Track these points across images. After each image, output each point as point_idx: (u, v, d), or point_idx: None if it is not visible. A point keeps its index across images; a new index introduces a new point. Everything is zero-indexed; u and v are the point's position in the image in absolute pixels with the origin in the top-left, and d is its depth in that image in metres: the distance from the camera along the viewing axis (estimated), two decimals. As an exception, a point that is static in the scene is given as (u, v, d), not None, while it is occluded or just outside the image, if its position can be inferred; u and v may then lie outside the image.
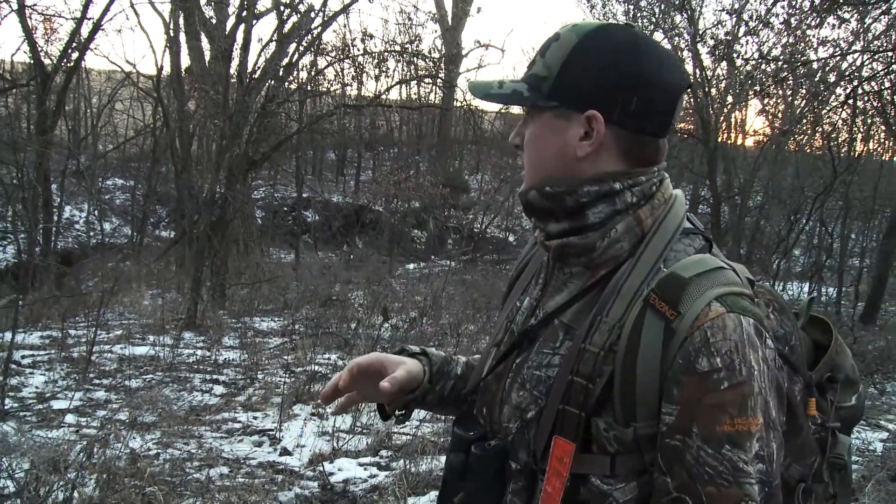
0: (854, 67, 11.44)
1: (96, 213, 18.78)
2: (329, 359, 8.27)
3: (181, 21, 16.06)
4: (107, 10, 13.51)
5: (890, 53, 11.01)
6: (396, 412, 1.41)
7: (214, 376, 7.39)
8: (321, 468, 4.96)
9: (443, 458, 5.16)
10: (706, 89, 16.04)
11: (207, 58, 15.64)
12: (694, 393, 1.01)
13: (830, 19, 10.51)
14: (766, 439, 1.01)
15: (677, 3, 15.06)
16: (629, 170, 1.15)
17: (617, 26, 1.16)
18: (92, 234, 18.24)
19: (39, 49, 13.66)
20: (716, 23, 15.86)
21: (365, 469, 5.05)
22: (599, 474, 1.08)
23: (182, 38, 16.47)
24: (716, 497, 0.99)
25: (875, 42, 11.79)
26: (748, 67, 12.61)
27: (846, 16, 10.57)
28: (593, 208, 1.14)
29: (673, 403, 1.02)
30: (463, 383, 1.42)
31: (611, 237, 1.13)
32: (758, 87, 12.28)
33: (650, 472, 1.06)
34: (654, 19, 17.59)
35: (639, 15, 18.19)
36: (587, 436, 1.08)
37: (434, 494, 4.50)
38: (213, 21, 14.77)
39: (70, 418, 5.67)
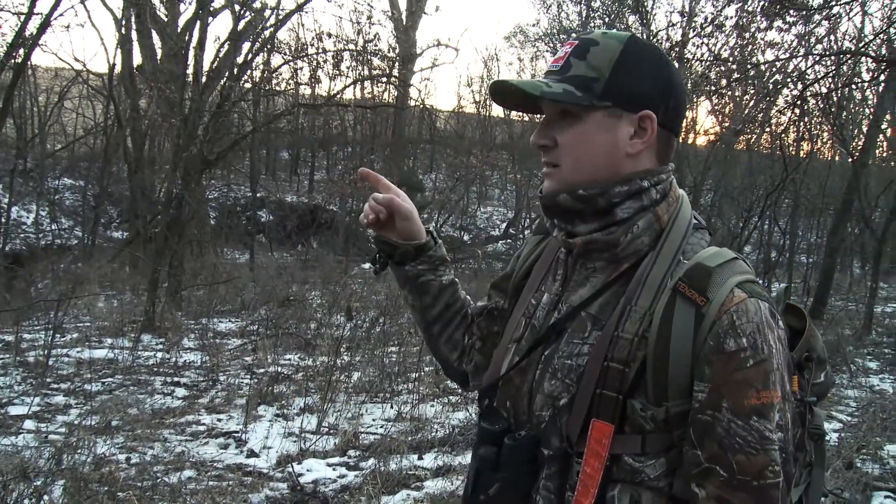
0: (799, 71, 11.74)
1: (46, 213, 18.37)
2: (290, 359, 8.24)
3: (133, 18, 15.78)
4: (56, 5, 13.13)
5: (833, 57, 11.32)
6: (376, 259, 1.52)
7: (175, 379, 7.31)
8: (290, 469, 4.95)
9: (413, 457, 5.20)
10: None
11: (160, 56, 15.42)
12: (723, 371, 1.11)
13: (777, 23, 10.76)
14: (784, 410, 1.13)
15: (631, 4, 15.28)
16: (656, 167, 1.26)
17: (641, 38, 1.27)
18: (41, 235, 17.83)
19: (-16, 46, 13.30)
20: (669, 24, 16.13)
21: (334, 469, 5.05)
22: (631, 453, 1.17)
23: (134, 35, 16.19)
24: (744, 464, 1.10)
25: (818, 46, 12.12)
26: (700, 68, 12.83)
27: (792, 20, 10.83)
28: (622, 206, 1.23)
29: (704, 381, 1.12)
30: (439, 290, 1.53)
31: (633, 233, 1.23)
32: (712, 88, 12.49)
33: (677, 448, 1.16)
34: (607, 20, 17.84)
35: (593, 15, 18.44)
36: (622, 417, 1.17)
37: (406, 493, 4.54)
38: (166, 19, 14.56)
39: (29, 424, 5.57)
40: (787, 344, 1.19)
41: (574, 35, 1.29)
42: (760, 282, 1.21)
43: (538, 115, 1.34)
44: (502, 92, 1.31)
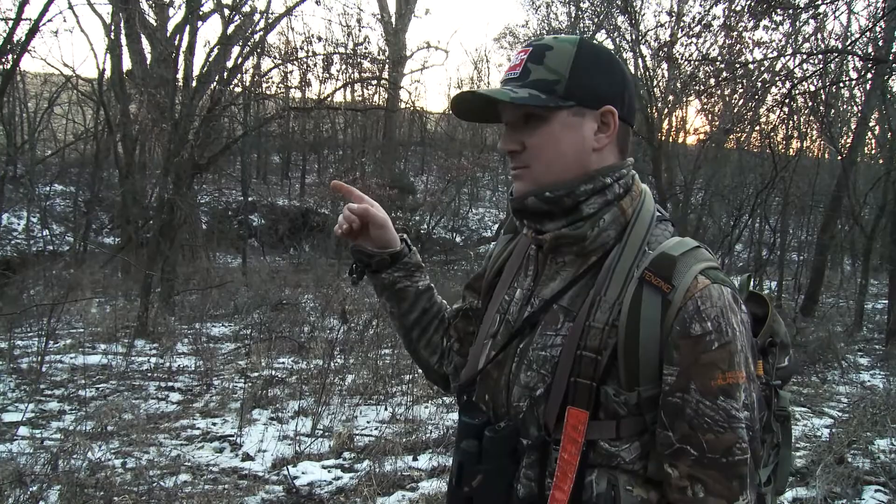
0: (787, 70, 11.80)
1: (37, 219, 18.31)
2: (284, 363, 8.25)
3: (122, 23, 15.75)
4: (44, 11, 13.08)
5: (820, 56, 11.38)
6: (353, 269, 1.56)
7: (170, 383, 7.31)
8: (285, 472, 4.97)
9: (408, 458, 5.22)
10: (649, 89, 16.37)
11: (149, 60, 15.40)
12: (690, 354, 1.17)
13: (765, 22, 10.82)
14: (749, 390, 1.19)
15: (620, 4, 15.33)
16: (619, 162, 1.32)
17: (590, 40, 1.34)
18: (33, 241, 17.76)
19: (-27, 52, 13.23)
20: (657, 24, 16.20)
21: (329, 472, 5.06)
22: (607, 438, 1.22)
23: (123, 40, 16.16)
24: (714, 443, 1.16)
25: (805, 45, 12.22)
26: (689, 68, 12.91)
27: (778, 18, 10.89)
28: (588, 202, 1.29)
29: (673, 365, 1.18)
30: (416, 296, 1.58)
31: (600, 227, 1.29)
32: (700, 87, 12.57)
33: (651, 431, 1.22)
34: (596, 20, 17.89)
35: (582, 16, 18.47)
36: (596, 404, 1.22)
37: (401, 494, 4.56)
38: (155, 23, 14.55)
39: (23, 430, 5.56)
40: (750, 327, 1.24)
41: (526, 42, 1.32)
42: (722, 269, 1.26)
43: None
44: (464, 103, 1.35)
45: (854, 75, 13.64)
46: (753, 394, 1.20)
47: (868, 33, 11.77)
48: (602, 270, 1.27)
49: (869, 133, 17.41)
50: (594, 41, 1.34)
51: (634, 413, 1.21)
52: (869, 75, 12.24)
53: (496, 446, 1.29)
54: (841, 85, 14.53)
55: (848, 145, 15.28)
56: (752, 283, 1.53)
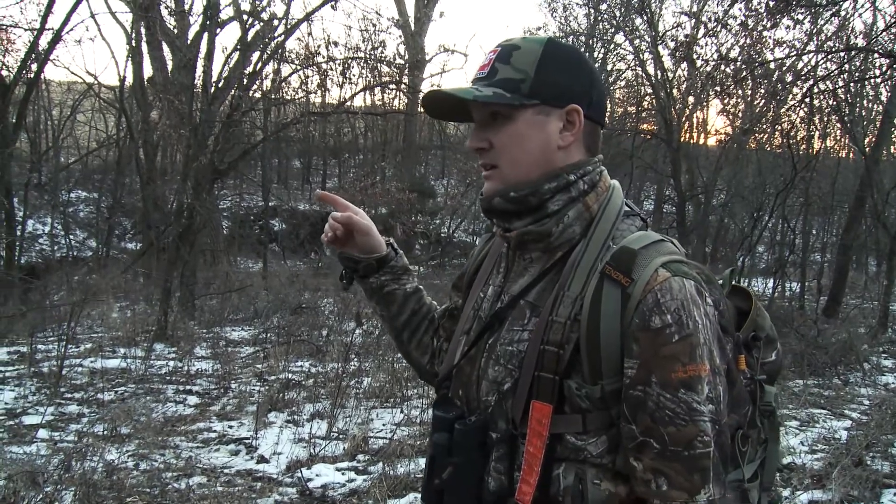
0: (809, 67, 11.70)
1: (60, 226, 18.53)
2: (302, 366, 8.28)
3: (143, 31, 15.92)
4: (67, 20, 13.30)
5: (842, 54, 11.26)
6: (342, 275, 1.62)
7: (187, 387, 7.36)
8: (299, 474, 4.98)
9: (421, 461, 5.22)
10: (668, 90, 16.28)
11: (170, 67, 15.54)
12: (650, 347, 1.17)
13: (785, 20, 10.74)
14: (713, 383, 1.18)
15: (637, 5, 15.26)
16: (585, 159, 1.33)
17: (559, 40, 1.36)
18: (56, 247, 17.99)
19: (-3, 61, 13.46)
20: (675, 25, 16.11)
21: (343, 474, 5.07)
22: (573, 432, 1.23)
23: (144, 48, 16.33)
24: (675, 436, 1.16)
25: (828, 43, 12.08)
26: (708, 68, 12.83)
27: (799, 17, 10.80)
28: (553, 199, 1.30)
29: (633, 358, 1.18)
30: (404, 298, 1.63)
31: (564, 223, 1.30)
32: (718, 88, 12.49)
33: (617, 425, 1.22)
34: (615, 22, 17.83)
35: (600, 18, 18.41)
36: (560, 398, 1.23)
37: (413, 496, 4.55)
38: (175, 31, 14.68)
39: (43, 433, 5.63)
40: (715, 320, 1.23)
41: (497, 43, 1.34)
42: (688, 262, 1.26)
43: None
44: (435, 102, 1.38)
45: (878, 72, 13.47)
46: (719, 387, 1.20)
47: (893, 29, 11.62)
48: (566, 265, 1.28)
49: (894, 131, 17.18)
50: (563, 41, 1.38)
51: (600, 407, 1.22)
52: (893, 73, 12.08)
53: (465, 439, 1.30)
54: (866, 82, 14.39)
55: (872, 143, 15.08)
56: (734, 276, 1.53)
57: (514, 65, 1.29)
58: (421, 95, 1.48)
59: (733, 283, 1.51)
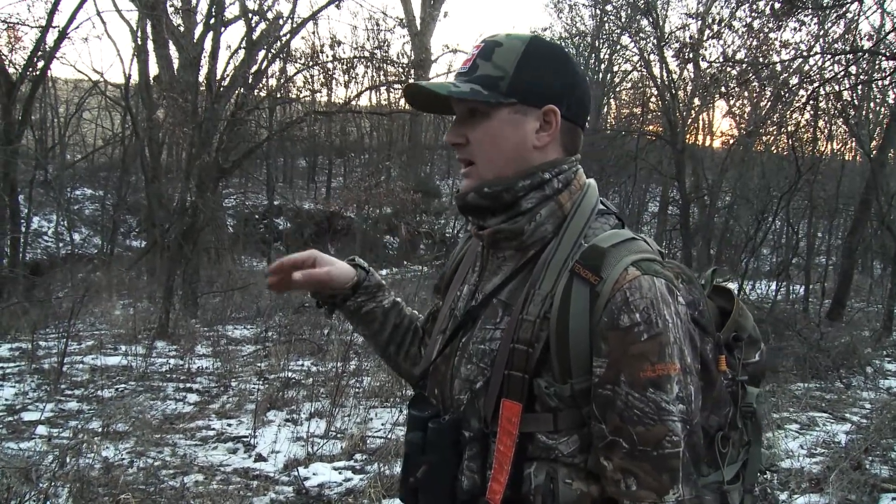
0: (815, 70, 11.66)
1: (65, 223, 18.59)
2: (302, 365, 8.28)
3: (149, 29, 15.96)
4: (73, 18, 13.36)
5: (849, 56, 11.22)
6: (320, 303, 1.62)
7: (188, 385, 7.37)
8: (296, 473, 4.98)
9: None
10: (673, 92, 16.24)
11: (176, 66, 15.57)
12: (619, 345, 1.16)
13: (791, 23, 10.71)
14: (684, 382, 1.17)
15: (643, 7, 15.23)
16: (561, 158, 1.33)
17: (543, 37, 1.35)
18: (61, 244, 18.04)
19: (3, 58, 13.48)
20: (681, 26, 16.08)
21: (340, 473, 5.07)
22: (544, 431, 1.23)
23: (150, 46, 16.36)
24: (644, 435, 1.14)
25: (835, 45, 12.03)
26: (713, 70, 12.79)
27: (805, 19, 10.76)
28: (526, 197, 1.30)
29: (602, 357, 1.17)
30: (384, 314, 1.63)
31: (536, 221, 1.30)
32: (723, 90, 12.46)
33: (588, 424, 1.21)
34: (620, 23, 17.80)
35: (605, 19, 18.39)
36: (531, 396, 1.23)
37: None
38: (181, 29, 14.70)
39: (41, 429, 5.63)
40: (688, 319, 1.23)
41: (482, 39, 1.33)
42: (661, 260, 1.26)
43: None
44: (415, 95, 1.38)
45: (884, 75, 13.41)
46: (690, 387, 1.18)
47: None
48: (538, 263, 1.28)
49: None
50: (549, 40, 1.37)
51: (570, 405, 1.21)
52: (898, 75, 12.02)
53: (439, 438, 1.30)
54: (873, 84, 14.32)
55: (878, 146, 15.01)
56: (715, 276, 1.52)
57: (494, 62, 1.28)
58: (403, 87, 1.46)
59: (716, 283, 1.50)
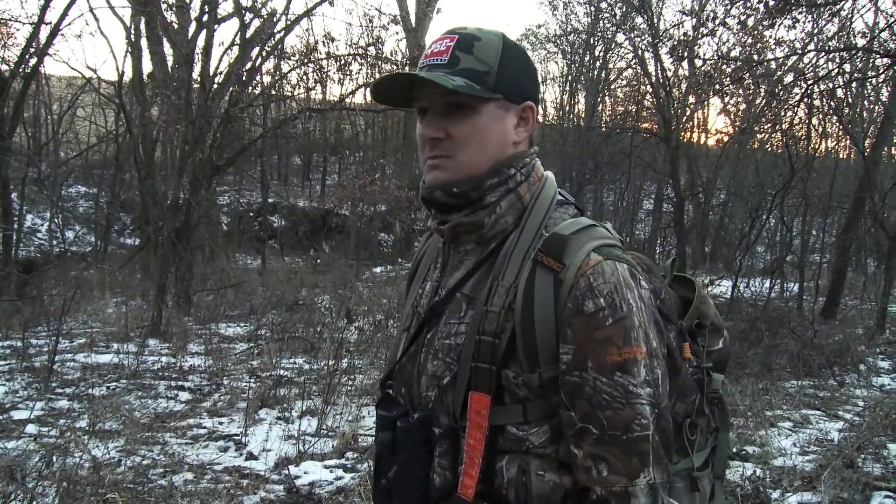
0: (809, 67, 11.64)
1: (59, 220, 18.52)
2: (295, 363, 8.26)
3: (142, 26, 15.89)
4: (65, 14, 13.29)
5: (843, 54, 11.21)
6: None
7: (179, 383, 7.34)
8: (287, 472, 4.95)
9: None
10: (667, 89, 16.23)
11: (170, 63, 15.52)
12: (584, 331, 1.16)
13: (785, 21, 10.69)
14: (650, 366, 1.17)
15: (637, 4, 15.22)
16: (524, 151, 1.34)
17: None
18: (55, 242, 17.98)
19: (-5, 54, 13.42)
20: (675, 24, 16.06)
21: (331, 471, 5.04)
22: (514, 422, 1.22)
23: (144, 43, 16.31)
24: (613, 419, 1.14)
25: (829, 43, 12.01)
26: (707, 68, 12.77)
27: (799, 17, 10.74)
28: (492, 193, 1.29)
29: (568, 343, 1.17)
30: None
31: (497, 213, 1.29)
32: (717, 87, 12.42)
33: (558, 414, 1.21)
34: (615, 20, 17.79)
35: (600, 16, 18.37)
36: (499, 388, 1.22)
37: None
38: (175, 26, 14.65)
39: (31, 428, 5.59)
40: (651, 303, 1.24)
41: (448, 30, 1.30)
42: (621, 246, 1.28)
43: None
44: (379, 86, 1.30)
45: (878, 72, 13.41)
46: (657, 370, 1.18)
47: (894, 28, 11.55)
48: (500, 255, 1.27)
49: (894, 131, 17.12)
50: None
51: (539, 395, 1.20)
52: (892, 73, 12.03)
53: (409, 437, 1.29)
54: (867, 82, 14.33)
55: (871, 144, 15.02)
56: (675, 265, 1.54)
57: (477, 56, 1.26)
58: (383, 75, 1.38)
59: (676, 273, 1.52)
